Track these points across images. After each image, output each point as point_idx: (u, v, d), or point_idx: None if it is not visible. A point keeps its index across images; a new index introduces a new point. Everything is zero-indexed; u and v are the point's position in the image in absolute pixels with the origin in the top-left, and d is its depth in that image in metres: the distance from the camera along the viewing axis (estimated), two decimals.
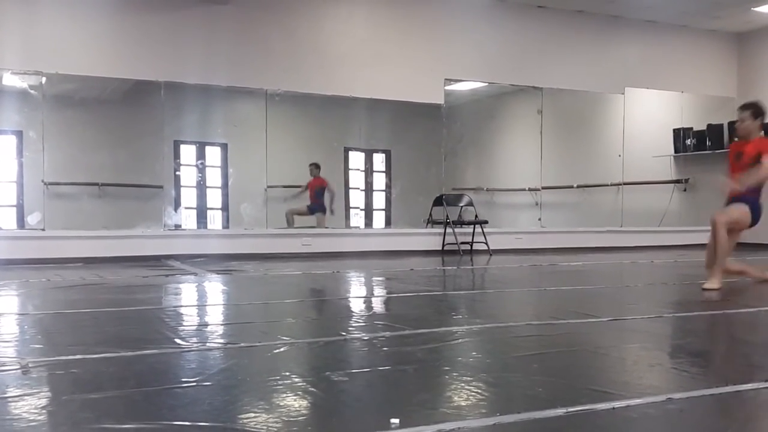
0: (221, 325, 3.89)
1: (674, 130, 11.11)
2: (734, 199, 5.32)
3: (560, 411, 2.05)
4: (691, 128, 10.98)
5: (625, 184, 10.66)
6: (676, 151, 11.11)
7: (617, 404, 2.13)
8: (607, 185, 10.75)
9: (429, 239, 9.25)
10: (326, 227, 9.59)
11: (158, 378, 2.55)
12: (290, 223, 9.43)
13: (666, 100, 11.01)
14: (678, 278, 6.45)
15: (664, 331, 3.71)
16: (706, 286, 5.14)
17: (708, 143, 10.76)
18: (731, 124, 10.59)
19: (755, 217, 5.33)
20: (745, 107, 5.43)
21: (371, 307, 4.73)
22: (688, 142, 11.00)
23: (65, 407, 2.15)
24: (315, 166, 9.69)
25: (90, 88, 8.37)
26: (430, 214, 9.29)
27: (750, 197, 5.28)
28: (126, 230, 7.98)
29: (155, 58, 8.04)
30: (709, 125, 10.79)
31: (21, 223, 8.21)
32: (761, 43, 10.95)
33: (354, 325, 3.83)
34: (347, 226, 9.95)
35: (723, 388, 2.36)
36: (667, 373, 2.71)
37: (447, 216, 9.04)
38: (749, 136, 5.35)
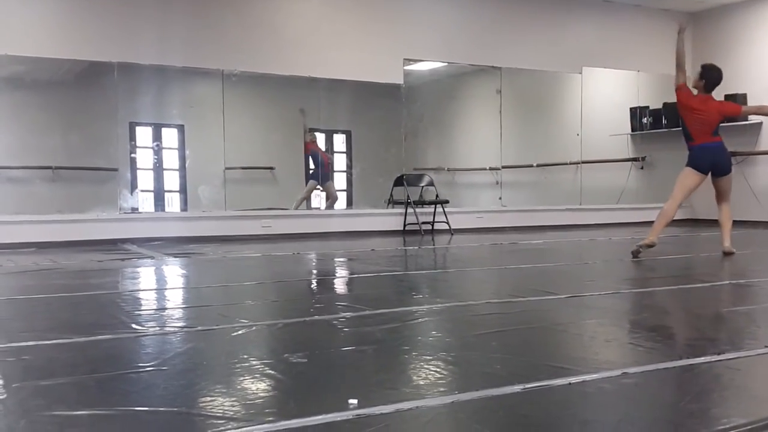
0: (179, 308, 3.83)
1: (631, 108, 11.24)
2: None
3: (517, 387, 2.07)
4: (648, 107, 11.12)
5: (583, 162, 10.77)
6: (632, 130, 11.25)
7: (573, 380, 2.15)
8: (566, 164, 10.85)
9: (390, 219, 9.25)
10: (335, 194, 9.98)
11: (112, 363, 2.50)
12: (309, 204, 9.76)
13: (622, 79, 11.12)
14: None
15: (620, 307, 3.77)
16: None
17: (664, 121, 10.91)
18: None
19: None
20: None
21: (332, 288, 4.72)
22: (645, 120, 11.14)
23: (16, 395, 2.10)
24: (312, 131, 9.75)
25: (41, 69, 8.15)
26: (391, 195, 9.28)
27: None
28: (80, 214, 7.82)
29: (108, 39, 7.84)
30: (664, 104, 10.92)
31: None
32: (714, 22, 11.10)
33: (314, 306, 3.82)
34: (308, 207, 9.91)
35: (677, 362, 2.40)
36: (622, 348, 2.74)
37: (408, 196, 9.04)
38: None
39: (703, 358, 2.44)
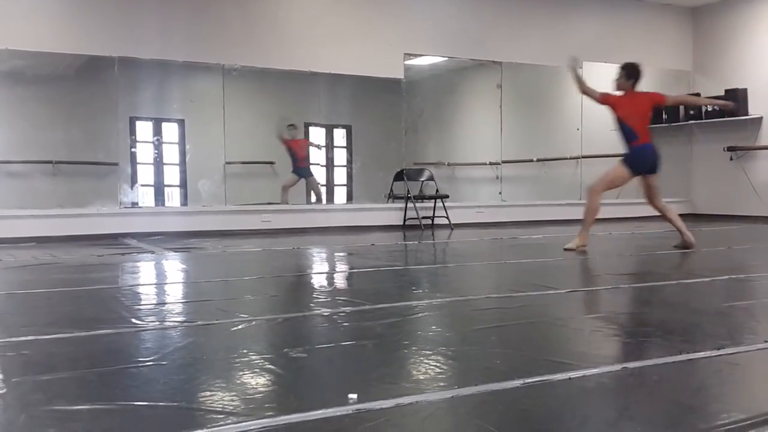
0: (178, 303, 3.83)
1: None
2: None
3: (517, 382, 2.06)
4: None
5: (583, 157, 10.76)
6: None
7: (573, 374, 2.15)
8: (567, 158, 10.84)
9: (390, 214, 9.25)
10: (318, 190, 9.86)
11: (113, 358, 2.51)
12: (285, 200, 9.48)
13: None
14: (635, 249, 6.55)
15: (620, 302, 3.76)
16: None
17: (664, 116, 10.91)
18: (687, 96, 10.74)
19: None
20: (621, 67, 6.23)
21: (331, 283, 4.72)
22: None
23: (15, 389, 2.10)
24: (294, 127, 9.64)
25: (42, 64, 8.14)
26: (391, 189, 9.29)
27: None
28: (81, 208, 7.82)
29: (109, 33, 7.84)
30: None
31: None
32: (715, 17, 11.08)
33: (314, 301, 3.82)
34: (308, 202, 9.91)
35: (677, 357, 2.40)
36: (622, 343, 2.74)
37: (408, 191, 9.04)
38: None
39: (702, 353, 2.44)
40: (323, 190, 10.26)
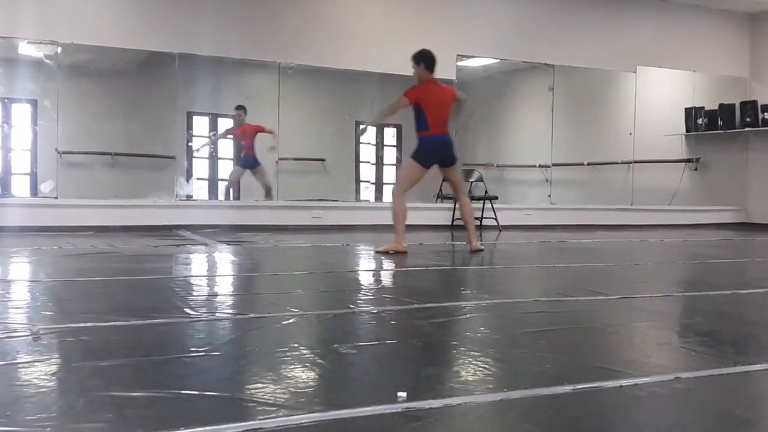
0: (230, 295, 3.91)
1: (686, 109, 11.02)
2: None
3: (567, 388, 2.06)
4: (703, 107, 10.88)
5: (635, 162, 10.60)
6: (687, 130, 11.03)
7: (625, 382, 2.13)
8: (618, 163, 10.70)
9: (439, 214, 9.24)
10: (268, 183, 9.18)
11: (167, 347, 2.57)
12: (236, 194, 9.29)
13: (678, 79, 10.91)
14: (688, 257, 6.43)
15: (673, 310, 3.71)
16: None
17: (720, 123, 10.68)
18: (743, 104, 10.51)
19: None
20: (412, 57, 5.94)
21: (380, 281, 4.74)
22: (700, 121, 10.91)
23: (75, 374, 2.16)
24: (244, 110, 9.23)
25: (105, 58, 8.36)
26: (440, 189, 9.26)
27: None
28: (138, 200, 8.00)
29: (170, 30, 8.01)
30: (721, 105, 10.70)
31: (34, 191, 8.27)
32: None
33: (362, 298, 3.85)
34: (357, 199, 9.95)
35: (731, 368, 2.35)
36: (675, 352, 2.70)
37: None
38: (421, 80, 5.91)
39: (758, 365, 2.40)
40: (372, 187, 10.27)
